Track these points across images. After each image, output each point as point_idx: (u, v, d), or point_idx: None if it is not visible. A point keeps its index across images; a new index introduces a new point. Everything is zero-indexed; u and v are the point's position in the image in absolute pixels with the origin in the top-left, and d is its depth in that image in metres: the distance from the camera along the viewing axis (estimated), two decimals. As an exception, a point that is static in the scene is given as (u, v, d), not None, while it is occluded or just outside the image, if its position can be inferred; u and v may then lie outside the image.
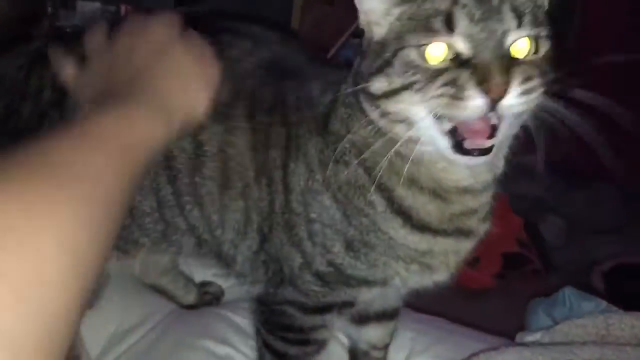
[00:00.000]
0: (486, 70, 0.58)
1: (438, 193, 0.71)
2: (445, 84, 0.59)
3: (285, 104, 0.78)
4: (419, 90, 0.61)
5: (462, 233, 0.74)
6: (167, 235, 0.86)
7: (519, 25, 0.61)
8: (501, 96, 0.58)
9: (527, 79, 0.59)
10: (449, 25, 0.60)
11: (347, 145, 0.72)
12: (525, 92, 0.59)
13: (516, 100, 0.59)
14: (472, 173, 0.70)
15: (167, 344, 1.06)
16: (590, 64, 0.69)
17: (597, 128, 0.62)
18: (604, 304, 1.06)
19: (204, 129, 0.77)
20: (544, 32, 0.64)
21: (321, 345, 0.90)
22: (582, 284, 1.34)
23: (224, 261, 0.86)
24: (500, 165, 0.73)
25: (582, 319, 0.95)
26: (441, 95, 0.59)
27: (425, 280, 0.80)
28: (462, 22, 0.60)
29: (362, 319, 0.99)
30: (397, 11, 0.65)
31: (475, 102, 0.58)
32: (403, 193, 0.71)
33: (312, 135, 0.75)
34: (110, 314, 1.09)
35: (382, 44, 0.65)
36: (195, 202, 0.81)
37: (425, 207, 0.71)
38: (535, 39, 0.62)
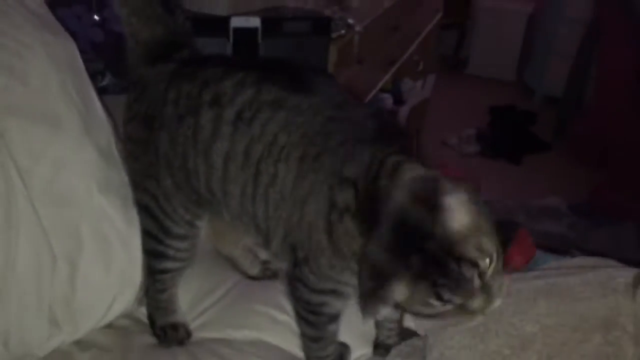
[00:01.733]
0: (487, 296, 0.86)
1: None
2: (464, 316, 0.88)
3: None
4: None
5: None
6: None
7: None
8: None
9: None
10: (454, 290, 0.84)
11: None
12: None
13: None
14: None
15: (236, 309, 1.29)
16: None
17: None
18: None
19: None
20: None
21: (332, 317, 1.10)
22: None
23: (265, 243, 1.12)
24: None
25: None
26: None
27: None
28: (464, 288, 0.84)
29: None
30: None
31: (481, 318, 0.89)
32: None
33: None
34: (193, 278, 1.32)
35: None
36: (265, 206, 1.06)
37: None
38: None
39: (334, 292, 1.04)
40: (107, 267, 1.18)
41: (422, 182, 0.85)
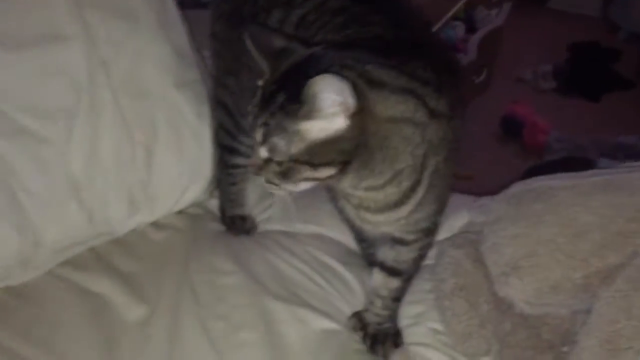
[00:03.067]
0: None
1: None
2: None
3: None
4: None
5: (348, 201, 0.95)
6: None
7: (262, 145, 0.78)
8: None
9: (268, 179, 0.82)
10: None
11: None
12: (267, 186, 0.83)
13: (263, 182, 0.83)
14: None
15: (299, 205, 1.31)
16: None
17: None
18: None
19: None
20: (283, 158, 0.77)
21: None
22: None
23: None
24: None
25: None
26: None
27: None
28: (249, 119, 0.83)
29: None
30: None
31: None
32: None
33: None
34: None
35: None
36: None
37: None
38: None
39: None
40: (180, 157, 1.27)
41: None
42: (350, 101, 0.73)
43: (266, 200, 1.38)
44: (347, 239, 1.29)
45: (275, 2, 1.10)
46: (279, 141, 0.76)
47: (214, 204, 1.37)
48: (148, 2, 1.22)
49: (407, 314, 1.16)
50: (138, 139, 1.21)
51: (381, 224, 0.95)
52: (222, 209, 1.35)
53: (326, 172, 0.78)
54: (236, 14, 1.18)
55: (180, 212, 1.32)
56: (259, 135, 0.78)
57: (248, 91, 1.19)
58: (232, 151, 1.29)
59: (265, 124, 0.77)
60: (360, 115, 0.75)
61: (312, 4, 1.06)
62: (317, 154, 0.76)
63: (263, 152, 0.79)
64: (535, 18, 3.74)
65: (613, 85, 3.29)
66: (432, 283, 1.16)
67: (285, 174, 0.79)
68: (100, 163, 1.18)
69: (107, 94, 1.17)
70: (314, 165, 0.77)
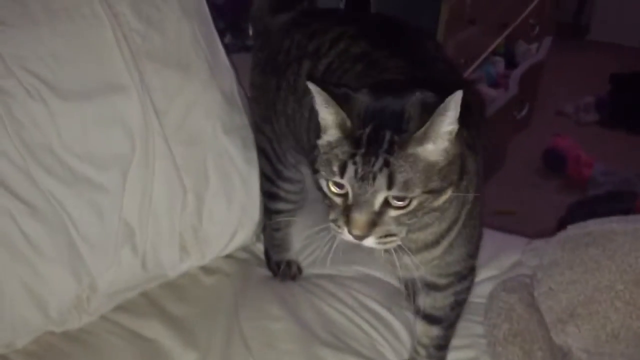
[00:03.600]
0: (353, 222, 0.76)
1: None
2: (333, 220, 0.79)
3: None
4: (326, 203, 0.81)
5: None
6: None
7: (389, 187, 0.73)
8: (361, 241, 0.77)
9: (384, 235, 0.77)
10: (342, 172, 0.75)
11: None
12: (382, 242, 0.77)
13: (373, 244, 0.77)
14: None
15: (341, 247, 1.36)
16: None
17: None
18: None
19: None
20: (415, 193, 0.74)
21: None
22: None
23: None
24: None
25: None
26: (332, 223, 0.79)
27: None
28: (348, 173, 0.75)
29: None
30: (332, 132, 0.79)
31: (347, 237, 0.78)
32: None
33: None
34: (306, 217, 1.40)
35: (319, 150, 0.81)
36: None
37: None
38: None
39: None
40: (229, 202, 1.29)
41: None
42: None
43: (312, 245, 1.38)
44: (392, 278, 1.28)
45: (304, 53, 1.13)
46: (411, 173, 0.74)
47: (260, 248, 1.39)
48: (201, 52, 1.26)
49: (459, 358, 1.14)
50: (189, 185, 1.24)
51: (414, 266, 0.92)
52: (267, 255, 1.36)
53: (444, 196, 0.77)
54: (271, 62, 1.21)
55: (228, 256, 1.33)
56: (380, 182, 0.74)
57: (284, 137, 1.22)
58: (273, 197, 1.31)
59: (386, 164, 0.74)
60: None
61: (336, 52, 1.08)
62: (441, 176, 0.76)
63: (381, 198, 0.75)
64: (576, 51, 3.71)
65: (657, 117, 3.23)
66: (484, 328, 1.14)
67: (412, 213, 0.76)
68: (152, 209, 1.20)
69: (160, 142, 1.20)
70: (438, 192, 0.76)
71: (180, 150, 1.23)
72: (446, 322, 1.08)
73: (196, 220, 1.25)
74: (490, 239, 1.14)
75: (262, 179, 1.32)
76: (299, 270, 1.34)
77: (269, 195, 1.32)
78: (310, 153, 1.02)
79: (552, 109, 3.16)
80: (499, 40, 2.46)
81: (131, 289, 1.21)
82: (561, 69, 3.31)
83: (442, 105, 0.72)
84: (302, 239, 1.39)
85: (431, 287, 1.03)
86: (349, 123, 0.77)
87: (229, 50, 1.63)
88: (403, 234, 0.79)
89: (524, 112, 2.66)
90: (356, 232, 0.76)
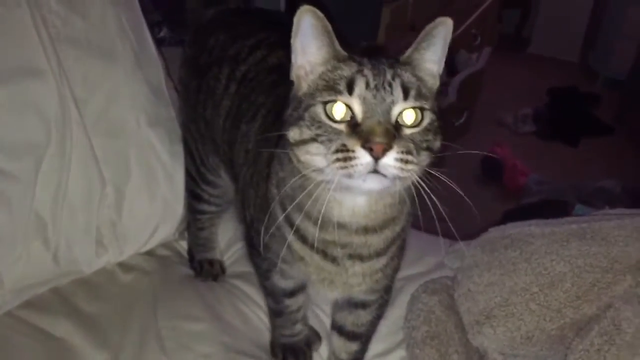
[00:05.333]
0: (372, 131, 0.69)
1: (320, 224, 0.82)
2: (339, 150, 0.70)
3: None
4: (322, 142, 0.72)
5: (327, 256, 0.87)
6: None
7: (405, 98, 0.73)
8: (380, 156, 0.69)
9: (405, 151, 0.70)
10: (350, 88, 0.73)
11: (274, 181, 0.88)
12: (402, 161, 0.70)
13: (394, 163, 0.69)
14: (351, 215, 0.82)
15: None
16: None
17: None
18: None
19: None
20: (427, 105, 0.75)
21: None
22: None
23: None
24: (381, 216, 0.83)
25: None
26: (337, 160, 0.70)
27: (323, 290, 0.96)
28: (359, 86, 0.72)
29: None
30: (319, 70, 0.77)
31: (362, 160, 0.69)
32: (298, 219, 0.84)
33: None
34: (228, 221, 1.36)
35: (301, 100, 0.77)
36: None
37: (308, 229, 0.85)
38: (421, 111, 0.74)
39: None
40: (152, 196, 1.24)
41: None
42: None
43: (235, 245, 1.35)
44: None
45: (224, 57, 1.10)
46: (417, 82, 0.75)
47: (182, 245, 1.34)
48: (125, 40, 1.21)
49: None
50: (109, 177, 1.18)
51: (359, 276, 0.90)
52: (191, 253, 1.32)
53: (439, 142, 0.78)
54: (195, 62, 1.17)
55: (149, 253, 1.28)
56: (397, 91, 0.72)
57: (207, 140, 1.17)
58: (197, 197, 1.27)
59: (397, 75, 0.73)
60: None
61: (254, 60, 1.06)
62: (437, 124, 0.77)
63: (397, 110, 0.73)
64: (516, 63, 3.81)
65: (592, 130, 3.34)
66: (404, 330, 1.13)
67: (424, 133, 0.74)
68: (67, 201, 1.15)
69: (79, 132, 1.14)
70: (436, 130, 0.77)
71: (100, 141, 1.18)
72: (365, 337, 1.07)
73: (115, 214, 1.20)
74: (416, 239, 1.14)
75: (187, 178, 1.28)
76: (223, 269, 1.31)
77: (193, 195, 1.28)
78: (228, 160, 1.03)
79: (491, 119, 3.22)
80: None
81: (41, 284, 1.15)
82: (502, 80, 3.38)
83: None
84: (228, 239, 1.37)
85: (358, 305, 1.02)
86: (343, 52, 0.77)
87: (165, 43, 1.58)
88: (423, 163, 0.75)
89: (462, 120, 2.70)
90: (379, 139, 0.69)
